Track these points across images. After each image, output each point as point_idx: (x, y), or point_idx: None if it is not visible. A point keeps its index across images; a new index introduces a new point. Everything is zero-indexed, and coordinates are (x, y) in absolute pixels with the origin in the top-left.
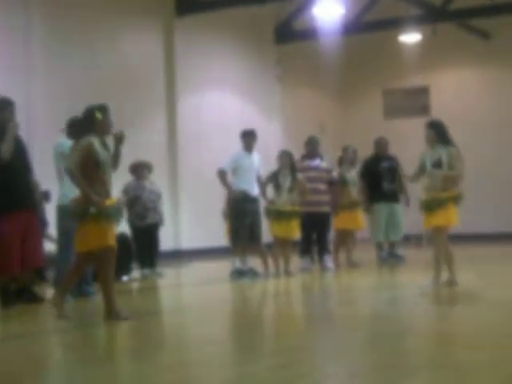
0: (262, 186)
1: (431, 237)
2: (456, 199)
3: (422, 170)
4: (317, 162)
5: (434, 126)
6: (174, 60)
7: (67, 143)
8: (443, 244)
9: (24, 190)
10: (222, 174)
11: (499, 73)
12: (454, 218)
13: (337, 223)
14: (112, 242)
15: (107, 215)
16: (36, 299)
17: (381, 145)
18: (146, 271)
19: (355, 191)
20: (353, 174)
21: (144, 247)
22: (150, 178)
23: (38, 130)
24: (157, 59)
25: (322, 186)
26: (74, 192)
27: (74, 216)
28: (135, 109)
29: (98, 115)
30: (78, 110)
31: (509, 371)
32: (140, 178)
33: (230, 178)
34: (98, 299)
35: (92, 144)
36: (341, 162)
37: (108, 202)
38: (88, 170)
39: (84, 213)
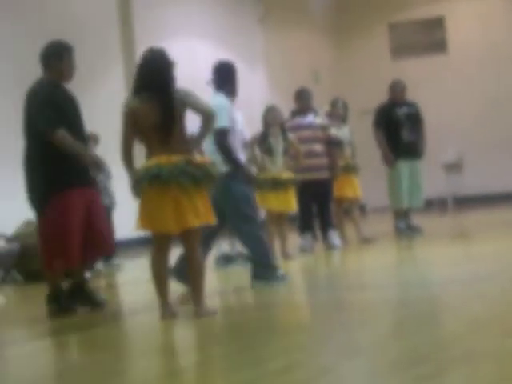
0: (250, 150)
1: None
2: None
3: None
4: (310, 119)
5: None
6: (131, 9)
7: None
8: None
9: (83, 165)
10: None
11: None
12: None
13: (334, 191)
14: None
15: None
16: (95, 302)
17: (397, 89)
18: (100, 265)
19: (350, 152)
20: (345, 132)
21: None
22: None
23: None
24: (110, 10)
25: (319, 147)
26: None
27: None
28: (88, 69)
29: None
30: (10, 76)
31: None
32: None
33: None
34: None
35: None
36: (330, 117)
37: None
38: None
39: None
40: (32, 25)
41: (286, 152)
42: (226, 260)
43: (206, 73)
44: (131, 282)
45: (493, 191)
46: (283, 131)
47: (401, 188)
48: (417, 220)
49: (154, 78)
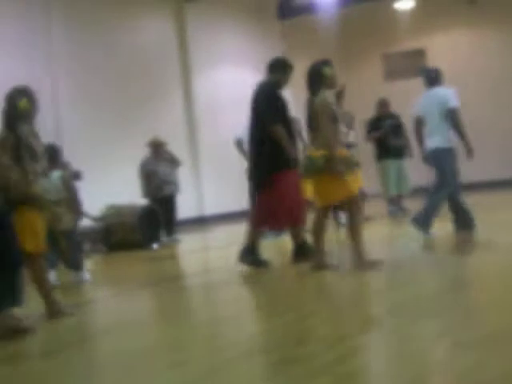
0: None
1: None
2: None
3: None
4: None
5: None
6: (187, 42)
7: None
8: None
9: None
10: (239, 143)
11: (486, 34)
12: None
13: None
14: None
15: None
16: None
17: (383, 105)
18: (164, 239)
19: (356, 153)
20: (352, 136)
21: (163, 217)
22: (165, 151)
23: (64, 115)
24: (170, 42)
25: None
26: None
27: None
28: (152, 89)
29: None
30: (100, 94)
31: None
32: (156, 155)
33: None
34: None
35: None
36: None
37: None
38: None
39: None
40: (109, 53)
41: None
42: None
43: (245, 93)
44: (188, 252)
45: (469, 180)
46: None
47: (389, 180)
48: (407, 204)
49: None
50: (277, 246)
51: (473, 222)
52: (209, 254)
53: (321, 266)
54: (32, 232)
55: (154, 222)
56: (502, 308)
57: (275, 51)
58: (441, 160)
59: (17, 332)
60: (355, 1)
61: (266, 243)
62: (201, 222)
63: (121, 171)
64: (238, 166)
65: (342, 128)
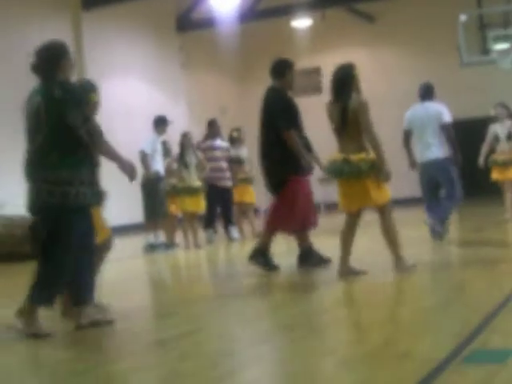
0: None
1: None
2: None
3: (496, 139)
4: (218, 142)
5: (505, 106)
6: (82, 51)
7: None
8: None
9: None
10: (144, 155)
11: (383, 53)
12: None
13: (235, 197)
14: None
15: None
16: (322, 260)
17: None
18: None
19: (248, 168)
20: (244, 152)
21: None
22: None
23: None
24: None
25: (225, 164)
26: None
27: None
28: None
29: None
30: None
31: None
32: None
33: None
34: None
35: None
36: (232, 141)
37: None
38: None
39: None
40: (2, 60)
41: (198, 166)
42: (151, 248)
43: (140, 104)
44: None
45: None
46: (194, 150)
47: None
48: None
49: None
50: (168, 260)
51: None
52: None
53: (349, 272)
54: None
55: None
56: (383, 325)
57: (172, 63)
58: (444, 169)
59: (102, 324)
60: (255, 17)
61: (157, 256)
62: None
63: (10, 182)
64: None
65: None
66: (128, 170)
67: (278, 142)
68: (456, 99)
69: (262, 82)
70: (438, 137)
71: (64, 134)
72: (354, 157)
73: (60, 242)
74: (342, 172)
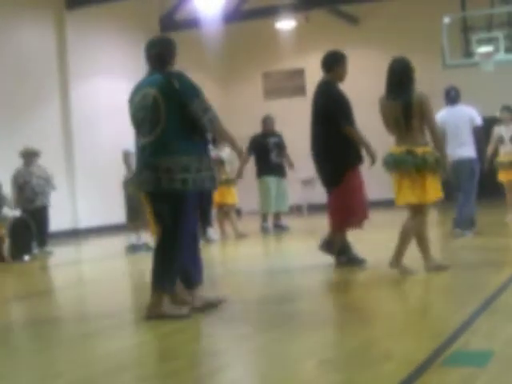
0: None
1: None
2: None
3: (500, 141)
4: None
5: (510, 109)
6: (66, 51)
7: None
8: None
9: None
10: (127, 155)
11: (367, 54)
12: None
13: (215, 198)
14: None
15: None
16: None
17: (268, 122)
18: (36, 251)
19: (230, 169)
20: (227, 153)
21: (35, 228)
22: (37, 163)
23: None
24: (49, 50)
25: None
26: None
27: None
28: (30, 97)
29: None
30: None
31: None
32: (28, 164)
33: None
34: None
35: None
36: (214, 141)
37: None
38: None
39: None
40: None
41: None
42: (133, 248)
43: (124, 104)
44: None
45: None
46: None
47: (269, 196)
48: (285, 221)
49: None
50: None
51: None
52: (81, 267)
53: (437, 267)
54: None
55: (25, 233)
56: (363, 326)
57: None
58: (473, 168)
59: (215, 305)
60: (238, 18)
61: (139, 257)
62: (75, 235)
63: None
64: (116, 178)
65: None
66: (238, 150)
67: (337, 136)
68: (437, 100)
69: (246, 83)
70: (469, 138)
71: (183, 123)
72: (419, 149)
73: (180, 228)
74: (406, 163)
